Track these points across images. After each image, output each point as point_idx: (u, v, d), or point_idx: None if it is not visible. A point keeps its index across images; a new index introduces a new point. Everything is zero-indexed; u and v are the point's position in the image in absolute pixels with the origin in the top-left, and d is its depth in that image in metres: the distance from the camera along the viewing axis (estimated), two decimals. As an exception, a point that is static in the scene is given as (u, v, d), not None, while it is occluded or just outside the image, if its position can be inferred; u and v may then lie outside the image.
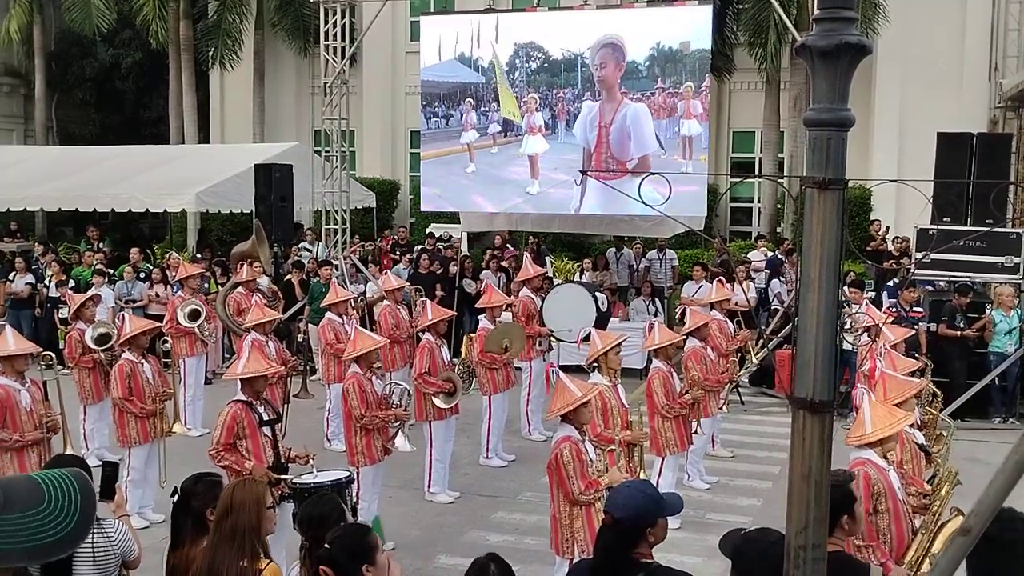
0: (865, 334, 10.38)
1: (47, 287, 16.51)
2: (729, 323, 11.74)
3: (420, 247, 18.37)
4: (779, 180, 19.44)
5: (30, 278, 16.83)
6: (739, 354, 12.15)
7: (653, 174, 4.20)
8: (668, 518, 4.14)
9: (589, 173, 14.55)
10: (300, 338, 14.59)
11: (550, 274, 16.30)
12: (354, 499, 7.45)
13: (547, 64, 16.26)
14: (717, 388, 10.54)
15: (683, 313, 12.25)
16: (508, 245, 19.08)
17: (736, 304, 12.46)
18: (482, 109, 16.69)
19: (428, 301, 11.71)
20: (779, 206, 21.37)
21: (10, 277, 17.02)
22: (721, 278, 12.84)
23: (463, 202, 17.15)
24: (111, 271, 16.55)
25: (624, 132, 15.69)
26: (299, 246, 18.42)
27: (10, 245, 21.46)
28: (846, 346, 10.75)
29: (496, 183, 16.73)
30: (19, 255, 18.34)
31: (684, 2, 15.59)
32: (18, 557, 1.10)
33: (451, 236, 19.89)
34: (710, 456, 11.29)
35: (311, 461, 7.27)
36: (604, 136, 15.82)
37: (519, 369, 12.34)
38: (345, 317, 12.12)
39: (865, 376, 9.34)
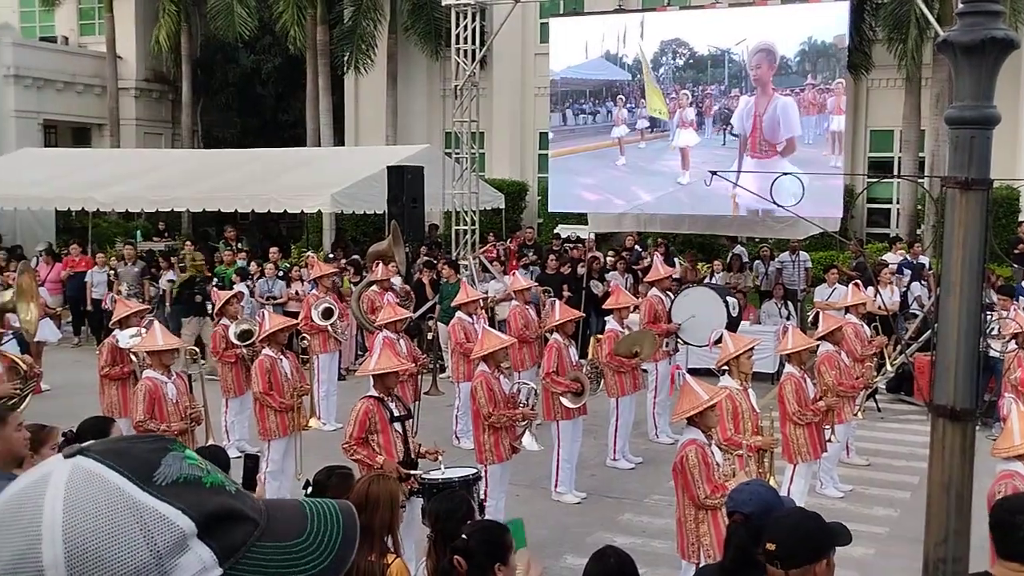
0: (1013, 341, 9.94)
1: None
2: (866, 327, 11.40)
3: (542, 249, 18.43)
4: (919, 180, 18.78)
5: (173, 275, 17.56)
6: (876, 360, 11.77)
7: (786, 174, 4.12)
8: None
9: (720, 174, 14.35)
10: (429, 336, 14.83)
11: (679, 276, 16.15)
12: (481, 496, 7.54)
13: (692, 60, 16.30)
14: (852, 394, 10.24)
15: (816, 317, 11.96)
16: (637, 247, 18.96)
17: (879, 308, 12.10)
18: (629, 105, 16.83)
19: (557, 301, 11.75)
20: (919, 207, 20.64)
21: (157, 274, 17.82)
22: (858, 281, 12.48)
23: (613, 190, 17.16)
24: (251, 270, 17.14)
25: (775, 119, 15.91)
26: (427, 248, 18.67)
27: (158, 244, 22.49)
28: (992, 353, 10.32)
29: (647, 175, 16.88)
30: (167, 254, 19.18)
31: (819, -1, 15.34)
32: None
33: (578, 237, 19.90)
34: (844, 464, 10.98)
35: (440, 457, 7.39)
36: (758, 124, 16.03)
37: (645, 371, 12.26)
38: (475, 316, 12.27)
39: (1014, 385, 8.94)
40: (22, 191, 20.40)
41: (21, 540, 1.02)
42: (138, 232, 24.15)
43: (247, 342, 11.16)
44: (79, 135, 31.67)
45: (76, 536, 1.01)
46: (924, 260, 16.72)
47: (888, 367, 12.22)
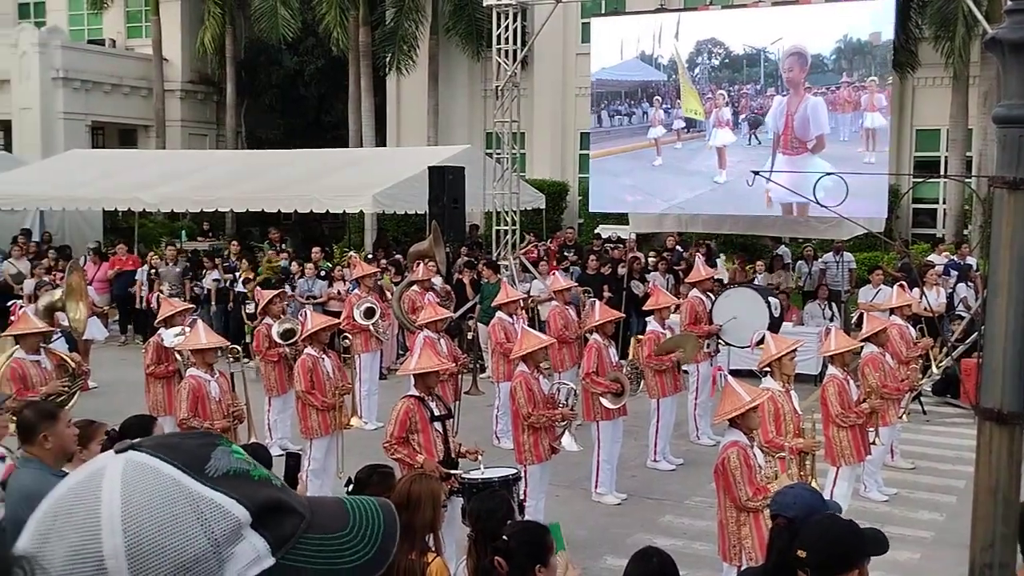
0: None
1: (235, 283, 17.39)
2: (911, 329, 11.25)
3: (582, 249, 18.38)
4: (966, 180, 18.51)
5: (217, 275, 17.77)
6: (922, 362, 11.62)
7: (829, 174, 4.08)
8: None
9: (761, 174, 14.25)
10: (469, 336, 14.86)
11: (721, 276, 16.05)
12: (521, 496, 7.55)
13: (728, 60, 16.24)
14: (897, 397, 10.12)
15: (860, 318, 11.83)
16: (678, 247, 18.88)
17: (925, 309, 11.94)
18: (665, 106, 16.79)
19: (597, 301, 11.72)
20: (966, 207, 20.33)
21: (200, 275, 18.04)
22: (903, 282, 12.33)
23: (652, 190, 17.11)
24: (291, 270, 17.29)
25: (804, 118, 15.88)
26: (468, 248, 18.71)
27: (202, 244, 22.76)
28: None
29: (684, 175, 16.87)
30: (211, 254, 19.40)
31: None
32: None
33: (619, 237, 19.85)
34: (889, 467, 10.85)
35: (480, 457, 7.40)
36: (790, 123, 16.01)
37: (686, 372, 12.20)
38: (515, 316, 12.28)
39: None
40: (71, 192, 20.74)
41: (77, 535, 1.04)
42: (183, 232, 24.47)
43: (290, 341, 11.25)
44: (126, 136, 32.15)
45: (135, 526, 1.03)
46: (971, 261, 16.49)
47: (934, 369, 12.07)
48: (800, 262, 17.80)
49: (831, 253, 17.51)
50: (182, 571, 1.03)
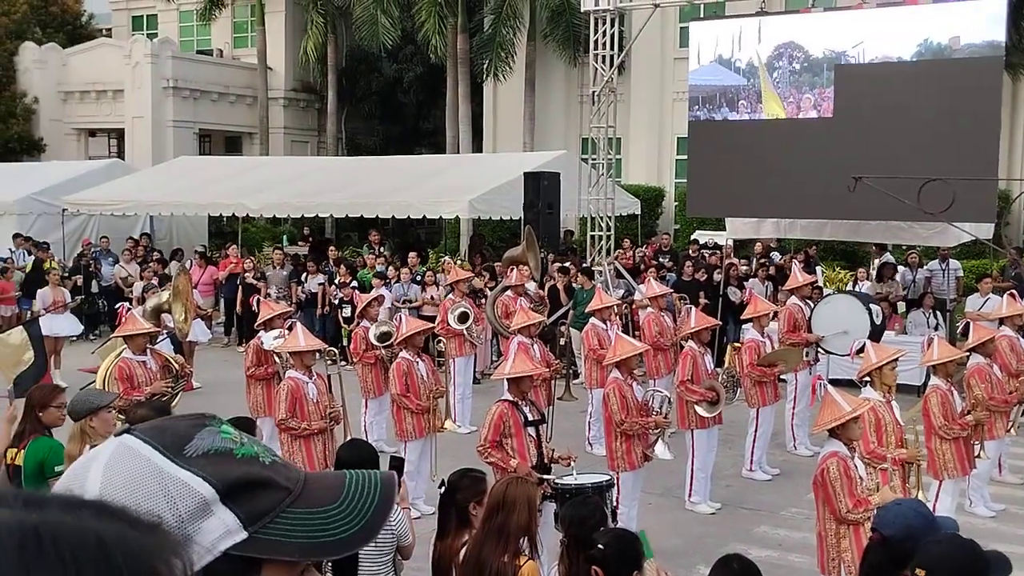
0: None
1: (335, 286, 17.71)
2: (1022, 340, 10.84)
3: (678, 255, 18.17)
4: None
5: (321, 279, 18.11)
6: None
7: (934, 180, 3.96)
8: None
9: (864, 179, 13.90)
10: (562, 342, 14.85)
11: (820, 284, 15.71)
12: (614, 503, 7.51)
13: (807, 64, 15.87)
14: (1005, 409, 9.76)
15: (966, 328, 11.45)
16: (773, 254, 18.54)
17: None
18: (746, 111, 16.46)
19: (693, 308, 11.60)
20: (1082, 213, 19.51)
21: (303, 278, 18.41)
22: (1014, 291, 11.89)
23: (743, 187, 16.74)
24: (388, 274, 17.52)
25: None
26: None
27: (303, 249, 23.24)
28: None
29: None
30: (314, 259, 19.78)
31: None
32: (290, 551, 1.13)
33: (715, 243, 19.60)
34: (996, 482, 10.47)
35: (573, 463, 7.39)
36: None
37: (784, 381, 11.98)
38: (608, 322, 12.23)
39: None
40: (179, 197, 21.41)
41: None
42: (284, 237, 25.02)
43: (386, 343, 11.40)
44: (231, 143, 33.08)
45: None
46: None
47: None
48: (904, 269, 17.31)
49: (937, 260, 16.99)
50: None
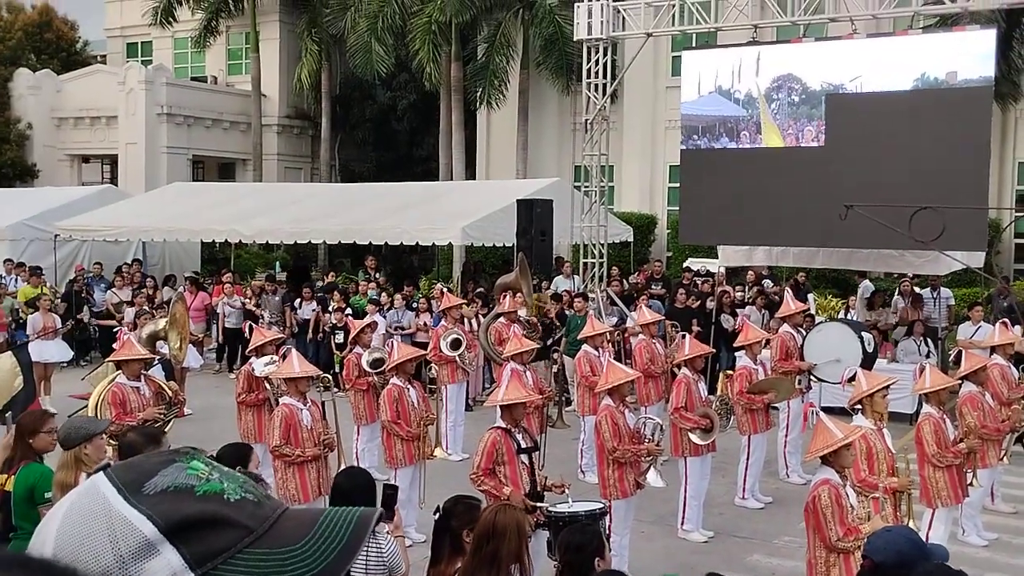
0: None
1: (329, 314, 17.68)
2: (1014, 369, 10.87)
3: (670, 282, 18.21)
4: (1072, 214, 17.86)
5: (315, 306, 18.09)
6: None
7: (925, 208, 4.00)
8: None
9: (856, 207, 13.99)
10: (554, 369, 14.84)
11: (812, 312, 15.74)
12: (606, 531, 7.48)
13: (805, 96, 15.96)
14: (997, 438, 9.77)
15: (958, 356, 11.48)
16: (766, 281, 18.60)
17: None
18: (744, 142, 16.52)
19: (687, 335, 11.62)
20: (1072, 242, 19.62)
21: (296, 305, 18.39)
22: (1006, 320, 11.94)
23: (736, 215, 16.80)
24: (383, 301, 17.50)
25: None
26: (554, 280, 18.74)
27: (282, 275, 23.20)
28: None
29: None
30: (308, 285, 19.76)
31: (964, 28, 14.77)
32: None
33: (708, 270, 19.65)
34: (989, 511, 10.47)
35: (566, 490, 7.37)
36: None
37: (776, 409, 11.98)
38: (601, 350, 12.22)
39: None
40: (172, 223, 21.41)
41: (33, 545, 1.15)
42: (277, 263, 25.01)
43: (379, 370, 11.38)
44: (224, 169, 33.14)
45: (61, 540, 1.12)
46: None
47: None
48: (896, 298, 17.36)
49: (928, 289, 17.05)
50: None
